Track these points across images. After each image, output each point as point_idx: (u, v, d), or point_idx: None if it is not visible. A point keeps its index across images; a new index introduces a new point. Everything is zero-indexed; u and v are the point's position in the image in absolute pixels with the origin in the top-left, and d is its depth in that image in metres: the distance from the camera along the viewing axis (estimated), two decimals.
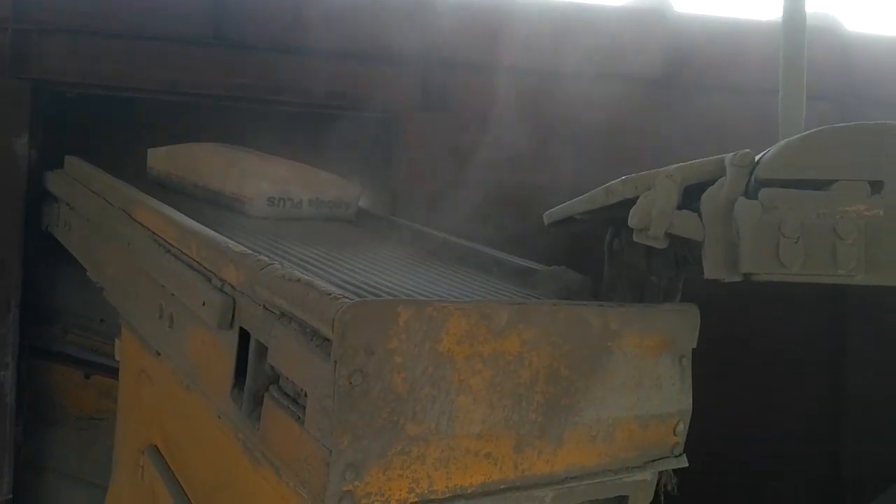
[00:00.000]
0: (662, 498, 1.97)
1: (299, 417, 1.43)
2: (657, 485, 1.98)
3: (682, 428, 1.82)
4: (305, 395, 1.44)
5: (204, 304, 1.78)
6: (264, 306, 1.61)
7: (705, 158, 1.58)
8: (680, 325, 1.82)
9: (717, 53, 3.83)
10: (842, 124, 1.49)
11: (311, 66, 3.58)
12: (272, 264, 1.64)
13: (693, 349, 1.84)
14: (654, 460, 1.77)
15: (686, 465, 1.83)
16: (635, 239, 1.63)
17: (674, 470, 1.92)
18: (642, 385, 1.76)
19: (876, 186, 1.44)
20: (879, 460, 2.68)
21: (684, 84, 3.80)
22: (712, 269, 1.51)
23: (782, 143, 1.47)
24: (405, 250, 2.62)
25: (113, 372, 2.82)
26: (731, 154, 1.52)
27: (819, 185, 1.45)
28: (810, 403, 3.71)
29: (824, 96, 3.65)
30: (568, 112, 3.73)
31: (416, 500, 1.42)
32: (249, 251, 1.78)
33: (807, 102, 2.50)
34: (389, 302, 1.45)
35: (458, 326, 1.46)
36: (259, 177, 2.74)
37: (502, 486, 1.53)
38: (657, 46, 3.81)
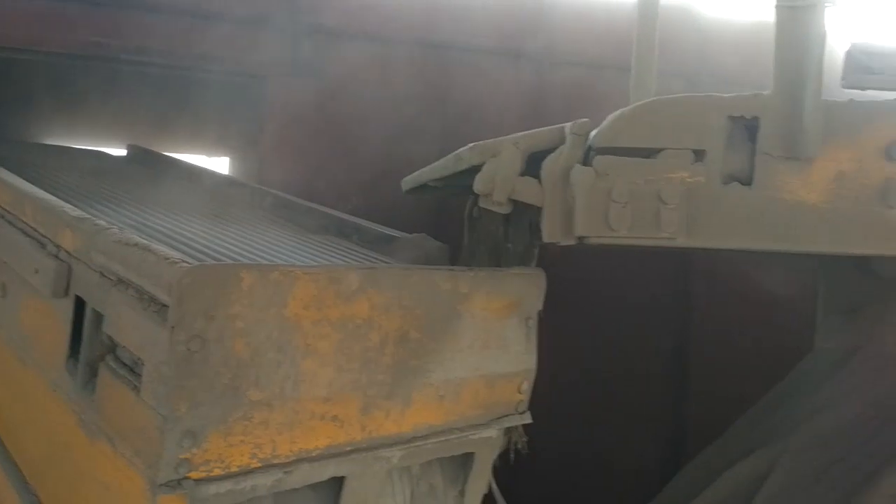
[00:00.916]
0: (513, 456, 2.06)
1: (136, 386, 1.38)
2: (508, 443, 2.06)
3: (527, 386, 1.89)
4: (143, 364, 1.39)
5: (37, 271, 1.68)
6: (101, 273, 1.53)
7: (548, 127, 1.64)
8: (527, 288, 1.88)
9: (583, 30, 3.95)
10: (669, 96, 1.57)
11: (178, 26, 3.40)
12: (109, 228, 1.57)
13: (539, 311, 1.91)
14: (499, 418, 1.83)
15: (530, 421, 1.91)
16: (481, 204, 1.67)
17: (524, 426, 2.01)
18: (489, 346, 1.81)
19: (699, 155, 1.53)
20: (720, 405, 2.91)
21: (550, 58, 3.89)
22: (550, 232, 1.58)
23: (616, 113, 1.54)
24: (266, 218, 2.56)
25: None
26: (571, 123, 1.58)
27: (649, 153, 1.54)
28: (661, 346, 3.93)
29: (680, 74, 3.84)
30: (445, 84, 3.76)
31: (259, 465, 1.41)
32: (87, 215, 1.69)
33: (663, 79, 2.63)
34: (231, 266, 1.42)
35: (306, 291, 1.45)
36: None
37: (349, 448, 1.55)
38: (533, 26, 3.89)
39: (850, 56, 1.49)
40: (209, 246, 1.86)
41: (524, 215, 1.83)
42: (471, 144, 1.70)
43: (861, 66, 1.48)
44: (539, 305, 1.92)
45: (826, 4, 1.42)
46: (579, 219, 1.52)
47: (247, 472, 1.39)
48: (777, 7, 1.45)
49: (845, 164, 1.52)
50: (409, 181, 2.04)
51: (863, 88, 1.52)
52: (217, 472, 1.36)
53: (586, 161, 1.54)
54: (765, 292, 3.62)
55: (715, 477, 2.30)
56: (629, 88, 2.58)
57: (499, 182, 1.59)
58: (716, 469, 2.33)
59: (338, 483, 1.59)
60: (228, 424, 1.36)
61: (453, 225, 2.23)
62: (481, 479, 1.93)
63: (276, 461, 1.43)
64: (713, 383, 3.77)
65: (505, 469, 2.03)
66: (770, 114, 1.50)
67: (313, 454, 1.48)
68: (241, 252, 1.85)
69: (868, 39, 1.52)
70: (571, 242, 1.58)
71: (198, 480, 1.34)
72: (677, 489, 2.44)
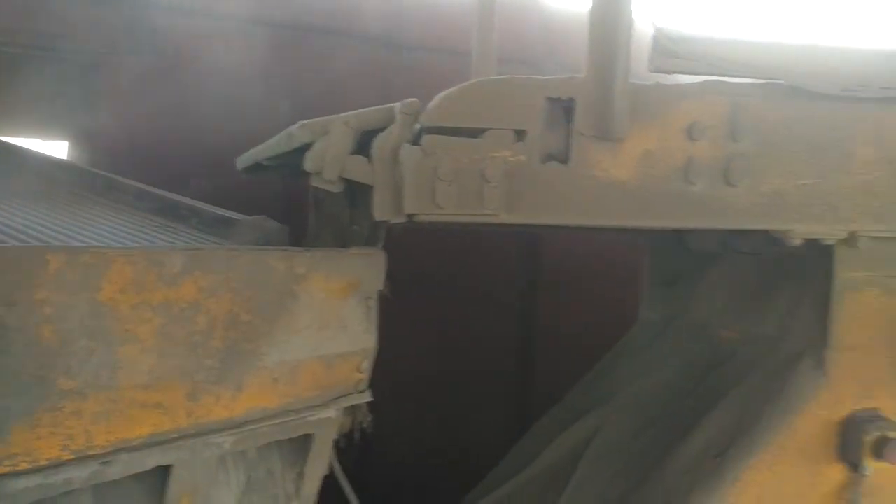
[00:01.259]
0: (358, 435, 2.07)
1: None
2: (352, 424, 2.06)
3: (367, 365, 1.91)
4: None
5: None
6: None
7: (379, 106, 1.64)
8: (366, 268, 1.89)
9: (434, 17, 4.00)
10: (492, 78, 1.62)
11: (11, 4, 3.13)
12: None
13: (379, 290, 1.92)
14: (338, 398, 1.83)
15: (370, 399, 1.92)
16: (313, 183, 1.66)
17: (370, 406, 2.02)
18: (328, 327, 1.81)
19: (520, 135, 1.59)
20: (565, 377, 3.08)
21: (402, 44, 3.91)
22: (380, 210, 1.59)
23: (443, 93, 1.57)
24: (96, 201, 2.42)
25: None
26: (400, 102, 1.60)
27: (474, 133, 1.58)
28: (504, 329, 4.07)
29: (525, 61, 3.98)
30: (296, 64, 3.68)
31: (72, 457, 1.34)
32: None
33: (510, 66, 2.70)
34: (35, 248, 1.34)
35: (123, 274, 1.38)
36: None
37: (175, 436, 1.50)
38: (383, 8, 3.88)
39: (656, 41, 1.59)
40: (23, 229, 1.74)
41: (369, 196, 1.83)
42: (300, 122, 1.68)
43: (666, 51, 1.59)
44: (379, 285, 1.93)
45: None
46: (408, 197, 1.54)
47: (58, 465, 1.32)
48: None
49: (651, 144, 1.64)
50: (243, 159, 1.99)
51: (668, 72, 1.63)
52: (24, 465, 1.28)
53: (416, 140, 1.56)
54: (610, 270, 3.84)
55: (550, 442, 2.43)
56: (471, 73, 2.64)
57: (329, 160, 1.59)
58: (552, 434, 2.46)
59: (165, 472, 1.54)
60: (35, 416, 1.28)
61: (305, 209, 2.21)
62: (320, 461, 1.93)
63: (91, 452, 1.36)
64: (558, 361, 3.96)
65: (352, 457, 2.04)
66: (583, 96, 1.58)
67: (134, 443, 1.42)
68: (57, 235, 1.74)
69: (673, 25, 1.63)
70: (402, 220, 1.61)
71: (2, 475, 1.26)
72: (518, 455, 2.56)
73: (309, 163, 1.61)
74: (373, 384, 1.92)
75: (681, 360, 2.39)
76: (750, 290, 2.26)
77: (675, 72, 1.62)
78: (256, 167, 2.05)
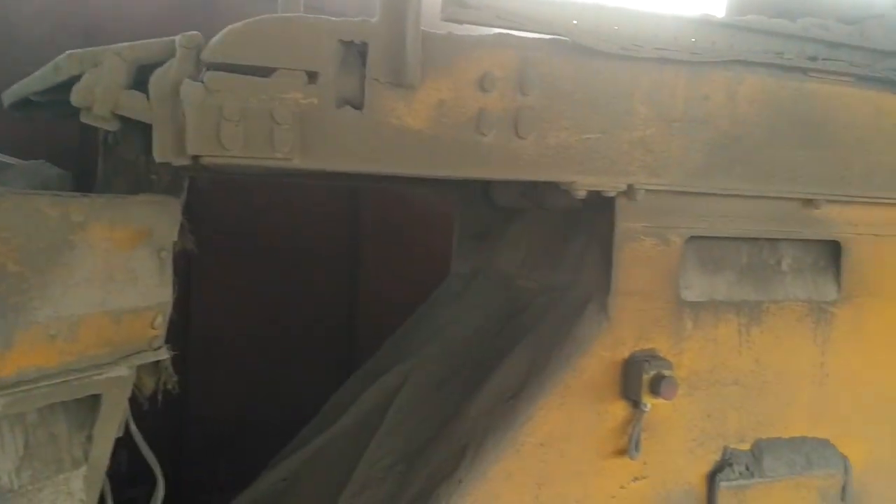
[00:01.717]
0: (161, 396, 1.97)
1: None
2: (156, 383, 1.96)
3: (161, 321, 1.81)
4: None
5: None
6: None
7: (158, 39, 1.54)
8: (158, 217, 1.78)
9: None
10: (281, 15, 1.56)
11: None
12: None
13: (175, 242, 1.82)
14: (129, 355, 1.73)
15: (166, 356, 1.84)
16: (83, 119, 1.53)
17: (179, 366, 1.93)
18: (114, 279, 1.69)
19: (312, 77, 1.55)
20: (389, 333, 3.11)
21: None
22: (161, 151, 1.50)
23: (227, 28, 1.49)
24: None
25: None
26: (180, 35, 1.50)
27: (262, 72, 1.52)
28: (328, 286, 4.04)
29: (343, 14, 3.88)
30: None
31: None
32: None
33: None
34: None
35: None
36: None
37: None
38: None
39: None
40: None
41: None
42: (68, 52, 1.54)
43: (457, 1, 1.60)
44: (173, 236, 1.83)
45: None
46: (190, 137, 1.46)
47: None
48: None
49: (445, 94, 1.66)
50: (9, 95, 1.79)
51: (459, 22, 1.65)
52: None
53: (196, 76, 1.48)
54: (434, 222, 3.88)
55: (361, 395, 2.45)
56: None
57: (99, 94, 1.47)
58: (363, 387, 2.48)
59: None
60: None
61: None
62: (111, 422, 1.82)
63: None
64: (382, 316, 3.99)
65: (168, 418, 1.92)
66: (377, 41, 1.57)
67: None
68: None
69: None
70: (185, 163, 1.52)
71: None
72: (330, 410, 2.56)
73: (76, 96, 1.48)
74: (187, 344, 1.83)
75: (485, 310, 2.48)
76: (548, 242, 2.37)
77: (465, 22, 1.64)
78: (26, 103, 1.86)
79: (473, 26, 1.68)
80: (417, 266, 4.05)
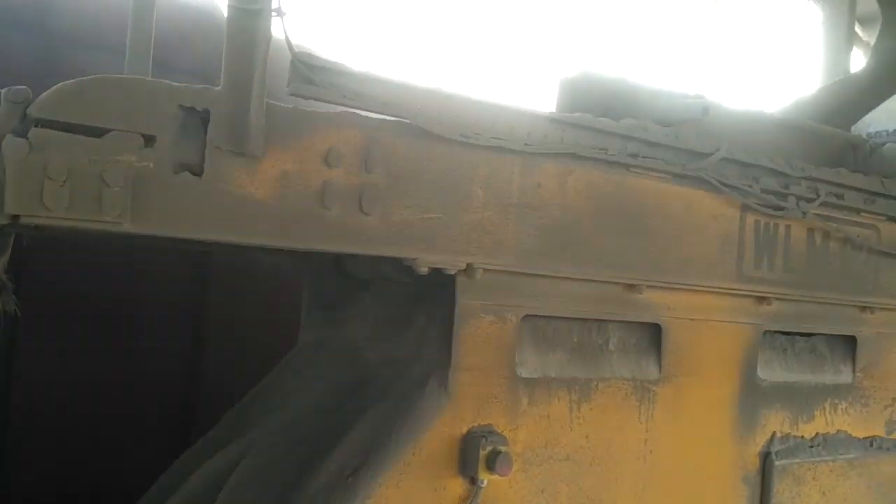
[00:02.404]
0: None
1: None
2: None
3: None
4: None
5: None
6: None
7: None
8: None
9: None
10: (118, 76, 1.53)
11: None
12: None
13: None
14: None
15: None
16: None
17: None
18: None
19: (149, 140, 1.52)
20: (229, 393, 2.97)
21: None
22: None
23: (59, 85, 1.44)
24: None
25: None
26: (6, 89, 1.43)
27: (95, 131, 1.47)
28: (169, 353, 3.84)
29: (201, 74, 3.84)
30: None
31: None
32: None
33: (183, 78, 2.56)
34: None
35: None
36: None
37: None
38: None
39: (294, 66, 1.64)
40: None
41: None
42: None
43: (304, 77, 1.64)
44: None
45: (274, 13, 1.54)
46: (10, 195, 1.38)
47: None
48: (228, 6, 1.52)
49: (289, 166, 1.67)
50: None
51: (304, 97, 1.69)
52: None
53: (21, 132, 1.40)
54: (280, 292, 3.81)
55: (194, 471, 2.31)
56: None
57: None
58: (197, 463, 2.34)
59: None
60: None
61: None
62: None
63: None
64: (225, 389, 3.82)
65: None
66: (219, 109, 1.57)
67: None
68: None
69: (314, 52, 1.69)
70: (4, 222, 1.43)
71: None
72: (161, 488, 2.39)
73: None
74: (7, 413, 1.66)
75: (330, 382, 2.45)
76: (394, 314, 2.39)
77: (311, 98, 1.68)
78: None
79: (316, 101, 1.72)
80: (265, 334, 3.95)
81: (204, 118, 1.58)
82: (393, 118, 1.80)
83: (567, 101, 2.52)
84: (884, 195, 2.80)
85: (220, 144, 1.58)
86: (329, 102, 1.71)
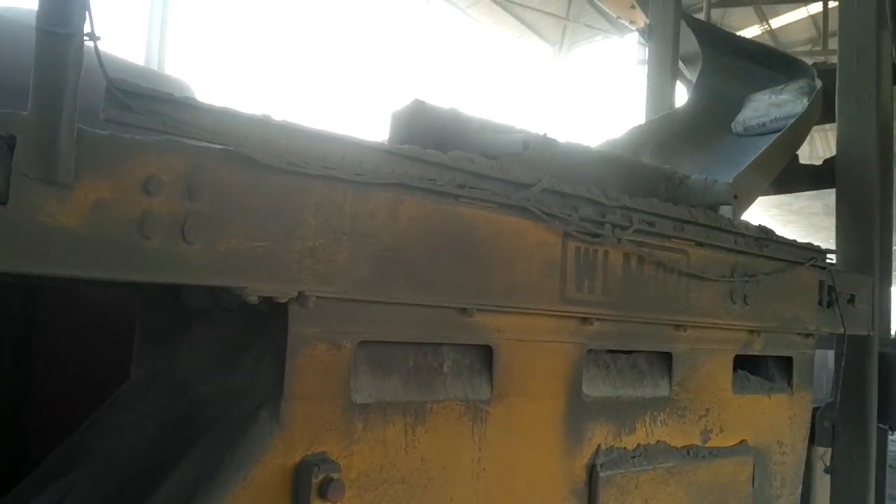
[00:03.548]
0: None
1: None
2: None
3: None
4: None
5: None
6: None
7: None
8: None
9: None
10: None
11: None
12: None
13: None
14: None
15: None
16: None
17: None
18: None
19: None
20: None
21: None
22: None
23: None
24: None
25: None
26: None
27: None
28: None
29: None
30: None
31: None
32: None
33: None
34: None
35: None
36: None
37: None
38: None
39: (109, 92, 1.60)
40: None
41: None
42: None
43: (119, 103, 1.60)
44: None
45: (86, 37, 1.50)
46: None
47: None
48: (37, 29, 1.46)
49: (104, 194, 1.61)
50: None
51: (121, 124, 1.64)
52: None
53: None
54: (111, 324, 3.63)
55: None
56: None
57: None
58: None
59: None
60: None
61: None
62: None
63: None
64: (54, 428, 3.57)
65: None
66: (26, 135, 1.50)
67: None
68: None
69: (129, 78, 1.65)
70: None
71: None
72: None
73: None
74: None
75: (161, 417, 2.36)
76: (228, 345, 2.35)
77: (129, 125, 1.64)
78: None
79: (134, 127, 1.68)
80: (95, 369, 3.73)
81: (10, 144, 1.51)
82: (218, 146, 1.78)
83: (399, 132, 2.60)
84: (691, 222, 3.09)
85: (26, 172, 1.51)
86: (148, 129, 1.68)
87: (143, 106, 1.64)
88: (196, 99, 1.77)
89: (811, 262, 3.73)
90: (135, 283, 1.80)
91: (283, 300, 1.99)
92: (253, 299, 1.92)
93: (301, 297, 2.01)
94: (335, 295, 2.08)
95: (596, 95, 25.92)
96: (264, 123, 1.87)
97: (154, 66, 10.74)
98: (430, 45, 18.44)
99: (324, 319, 2.09)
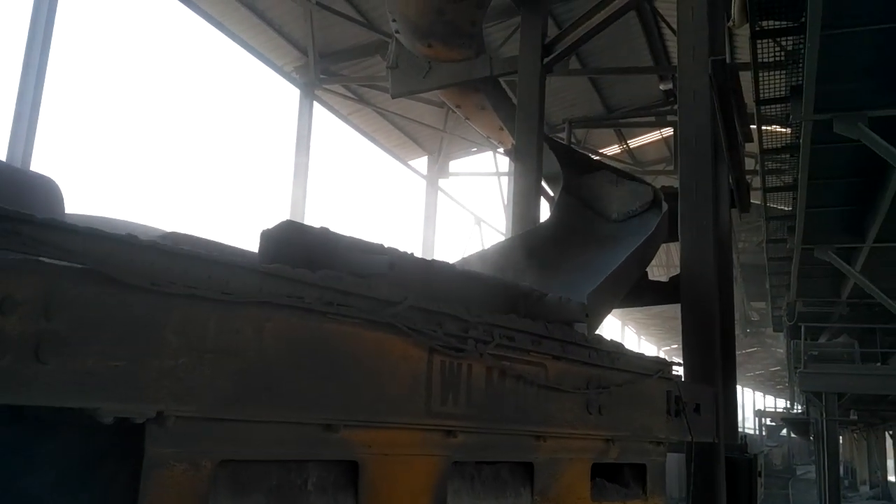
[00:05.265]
0: None
1: None
2: None
3: None
4: None
5: None
6: None
7: None
8: None
9: None
10: None
11: None
12: None
13: None
14: None
15: None
16: None
17: None
18: None
19: None
20: None
21: None
22: None
23: None
24: None
25: None
26: None
27: None
28: None
29: None
30: None
31: None
32: None
33: None
34: None
35: None
36: None
37: None
38: None
39: None
40: None
41: None
42: None
43: None
44: None
45: None
46: None
47: None
48: None
49: None
50: None
51: None
52: None
53: None
54: None
55: None
56: None
57: None
58: None
59: None
60: None
61: None
62: None
63: None
64: None
65: None
66: None
67: None
68: None
69: None
70: None
71: None
72: None
73: None
74: None
75: None
76: (80, 464, 2.24)
77: None
78: None
79: None
80: None
81: None
82: (79, 265, 1.78)
83: (269, 251, 2.67)
84: (548, 337, 3.29)
85: None
86: (7, 250, 1.66)
87: (4, 227, 1.63)
88: (57, 219, 1.77)
89: (659, 374, 4.02)
90: None
91: (140, 420, 1.95)
92: (107, 420, 1.87)
93: (160, 417, 1.98)
94: (196, 414, 2.06)
95: (471, 203, 27.00)
96: (127, 243, 1.88)
97: (18, 162, 10.29)
98: (310, 150, 18.74)
99: (183, 439, 2.06)
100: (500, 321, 3.02)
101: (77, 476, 2.23)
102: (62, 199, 3.61)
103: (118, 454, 2.10)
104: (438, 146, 24.15)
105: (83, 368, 1.80)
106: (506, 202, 24.24)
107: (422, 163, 24.76)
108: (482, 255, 4.89)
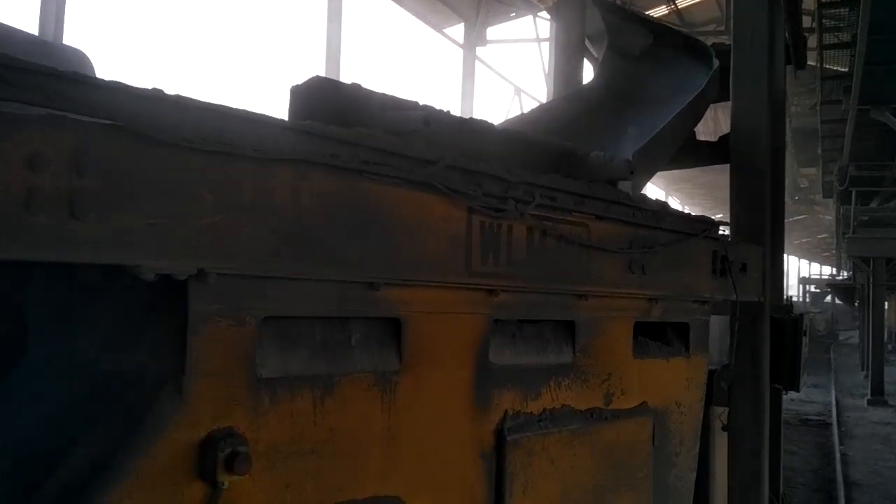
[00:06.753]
0: None
1: None
2: None
3: None
4: None
5: None
6: None
7: None
8: None
9: None
10: None
11: None
12: None
13: None
14: None
15: None
16: None
17: None
18: None
19: None
20: None
21: None
22: None
23: None
24: None
25: None
26: None
27: None
28: None
29: None
30: None
31: None
32: None
33: None
34: None
35: None
36: None
37: None
38: None
39: None
40: None
41: None
42: None
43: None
44: None
45: None
46: None
47: None
48: None
49: None
50: None
51: (2, 99, 1.59)
52: None
53: None
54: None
55: None
56: None
57: None
58: None
59: None
60: None
61: None
62: None
63: None
64: None
65: None
66: None
67: None
68: None
69: (20, 47, 1.59)
70: None
71: None
72: None
73: None
74: None
75: (59, 398, 2.30)
76: (128, 323, 2.31)
77: (7, 100, 1.58)
78: None
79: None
80: None
81: None
82: (107, 121, 1.74)
83: (299, 108, 2.59)
84: (591, 197, 3.21)
85: None
86: (31, 104, 1.63)
87: (27, 80, 1.58)
88: (82, 73, 1.72)
89: (704, 234, 3.94)
90: (22, 262, 1.74)
91: (182, 277, 1.97)
92: (149, 277, 1.90)
93: (201, 274, 2.00)
94: (236, 271, 2.07)
95: (510, 73, 26.13)
96: (155, 99, 1.83)
97: (50, 37, 10.19)
98: (340, 17, 18.13)
99: (226, 296, 2.09)
100: (541, 181, 2.94)
101: (128, 335, 2.31)
102: (94, 71, 3.56)
103: (165, 313, 2.15)
104: (476, 10, 23.14)
105: (120, 226, 1.80)
106: (546, 71, 23.36)
107: (458, 30, 23.82)
108: (523, 118, 4.74)
